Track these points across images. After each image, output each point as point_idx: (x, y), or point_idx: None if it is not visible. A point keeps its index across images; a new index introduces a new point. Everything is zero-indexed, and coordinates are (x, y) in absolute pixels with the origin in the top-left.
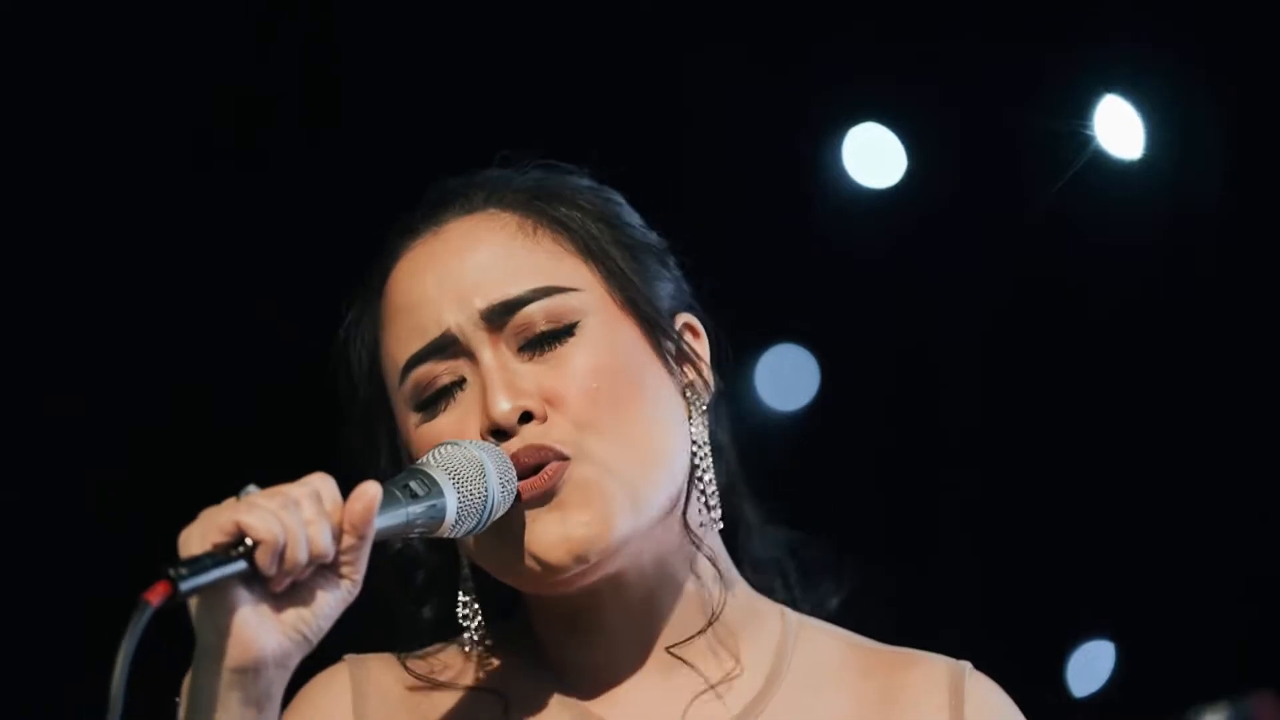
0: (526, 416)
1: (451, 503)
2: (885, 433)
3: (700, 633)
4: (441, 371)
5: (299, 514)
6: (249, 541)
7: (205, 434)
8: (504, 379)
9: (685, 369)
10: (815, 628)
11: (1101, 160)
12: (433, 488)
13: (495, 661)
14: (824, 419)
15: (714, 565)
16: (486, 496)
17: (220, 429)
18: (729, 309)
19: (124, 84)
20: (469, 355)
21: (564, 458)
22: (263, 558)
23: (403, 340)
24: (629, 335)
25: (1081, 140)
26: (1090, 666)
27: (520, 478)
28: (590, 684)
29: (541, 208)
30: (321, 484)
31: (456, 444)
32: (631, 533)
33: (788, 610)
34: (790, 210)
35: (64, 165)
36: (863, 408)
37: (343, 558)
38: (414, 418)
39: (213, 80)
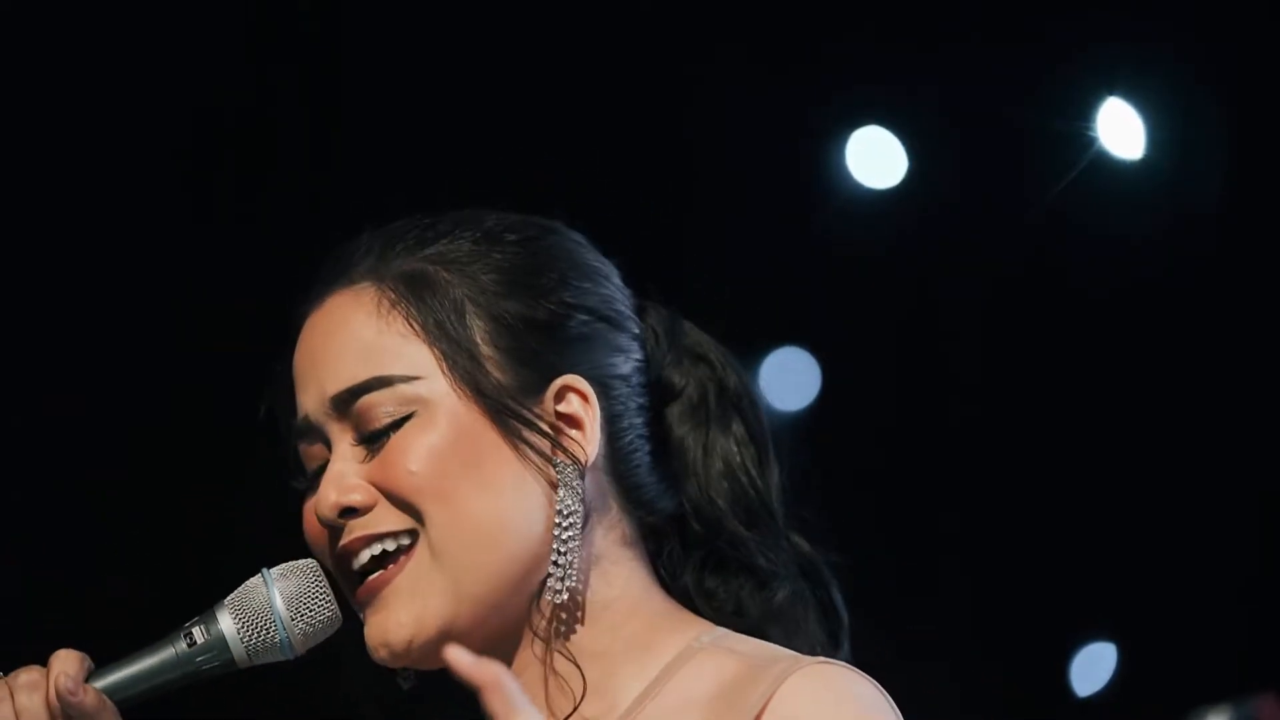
0: (350, 511)
1: (236, 643)
2: (887, 433)
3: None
4: (312, 454)
5: (6, 708)
6: None
7: (205, 434)
8: (335, 473)
9: (544, 443)
10: (719, 648)
11: (1103, 161)
12: (213, 632)
13: None
14: (826, 418)
15: (565, 631)
16: (275, 632)
17: (220, 429)
18: (731, 309)
19: (124, 86)
20: (325, 442)
21: (403, 536)
22: None
23: (292, 414)
24: (468, 419)
25: (1083, 141)
26: (1092, 668)
27: (360, 576)
28: None
29: (411, 284)
30: (60, 663)
31: (262, 576)
32: (451, 623)
33: (706, 633)
34: (792, 212)
35: (63, 167)
36: (864, 407)
37: None
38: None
39: (211, 81)
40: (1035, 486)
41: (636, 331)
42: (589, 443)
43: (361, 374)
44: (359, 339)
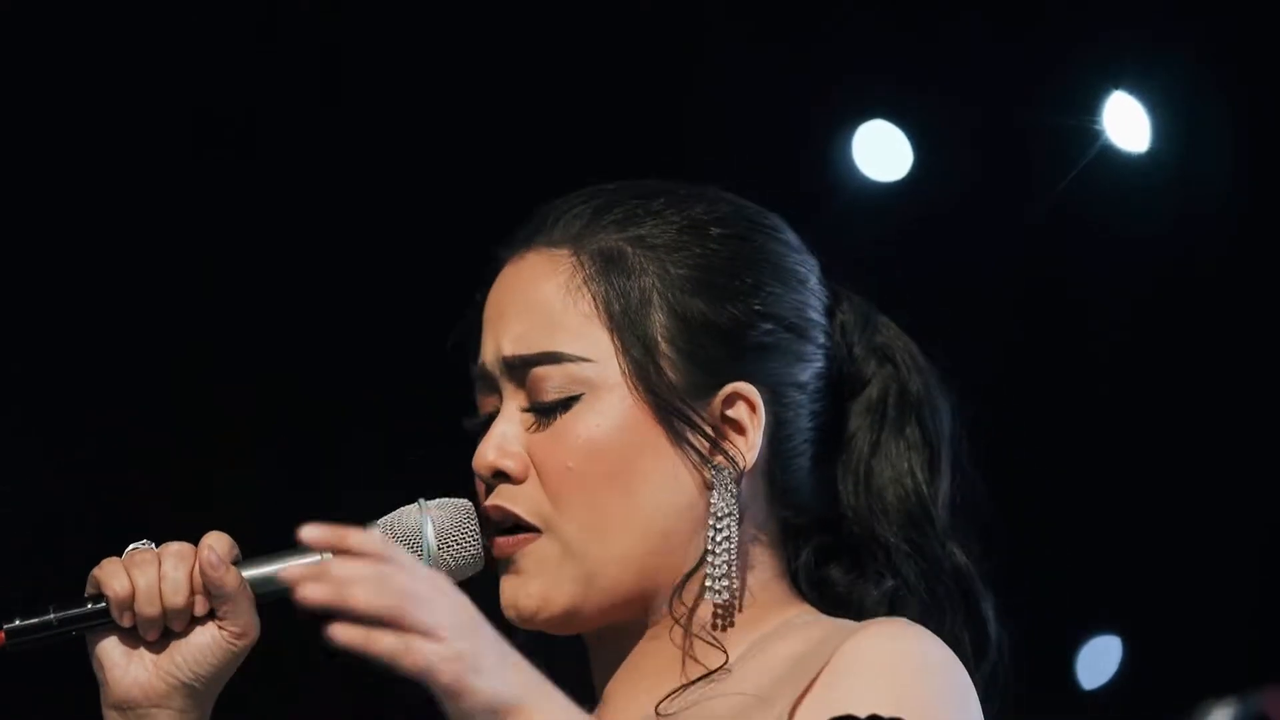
0: (503, 475)
1: None
2: None
3: (682, 688)
4: (487, 399)
5: (152, 571)
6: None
7: (205, 435)
8: (499, 433)
9: (705, 445)
10: (812, 623)
11: (1109, 155)
12: None
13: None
14: None
15: (708, 623)
16: (421, 561)
17: (221, 427)
18: None
19: (125, 86)
20: (498, 394)
21: (530, 528)
22: (114, 611)
23: (475, 356)
24: (633, 411)
25: (1089, 135)
26: (1099, 661)
27: (496, 533)
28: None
29: (606, 263)
30: (210, 539)
31: (419, 505)
32: (579, 607)
33: (807, 613)
34: (798, 206)
35: (64, 170)
36: None
37: (218, 610)
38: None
39: (213, 84)
40: (1040, 480)
41: (823, 340)
42: (749, 450)
43: (538, 345)
44: (544, 307)
